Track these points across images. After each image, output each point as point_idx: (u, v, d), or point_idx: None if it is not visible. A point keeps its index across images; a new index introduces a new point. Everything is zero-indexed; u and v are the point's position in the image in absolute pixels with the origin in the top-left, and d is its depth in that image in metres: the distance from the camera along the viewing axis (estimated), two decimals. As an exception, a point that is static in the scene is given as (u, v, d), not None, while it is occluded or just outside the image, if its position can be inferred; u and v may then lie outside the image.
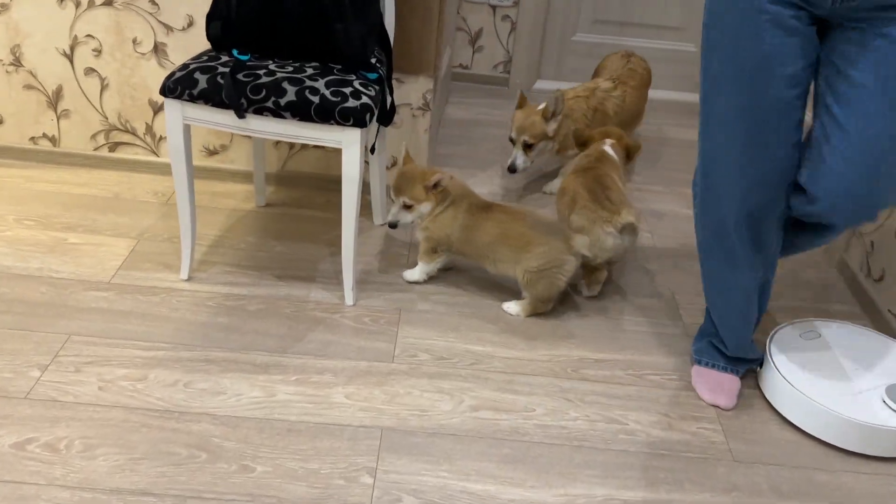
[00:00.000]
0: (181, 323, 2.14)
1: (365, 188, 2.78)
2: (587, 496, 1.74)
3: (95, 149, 2.81)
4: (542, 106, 2.72)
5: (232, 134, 2.76)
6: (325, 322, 2.21)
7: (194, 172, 2.78)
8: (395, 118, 2.72)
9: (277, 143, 2.78)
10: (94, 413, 1.83)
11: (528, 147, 2.69)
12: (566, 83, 3.97)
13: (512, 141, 2.73)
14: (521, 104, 2.74)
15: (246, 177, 2.84)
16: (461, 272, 2.47)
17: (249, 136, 2.71)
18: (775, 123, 1.66)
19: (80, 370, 1.95)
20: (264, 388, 1.95)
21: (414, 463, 1.78)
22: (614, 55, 3.19)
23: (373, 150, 2.45)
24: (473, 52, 4.01)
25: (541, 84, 4.05)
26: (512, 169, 2.72)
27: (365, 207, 2.74)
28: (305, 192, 2.84)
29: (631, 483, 1.78)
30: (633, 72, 3.03)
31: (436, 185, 2.24)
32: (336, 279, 2.38)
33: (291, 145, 2.78)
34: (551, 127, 2.68)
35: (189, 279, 2.32)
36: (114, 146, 2.81)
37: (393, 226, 2.30)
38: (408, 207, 2.26)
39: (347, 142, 2.04)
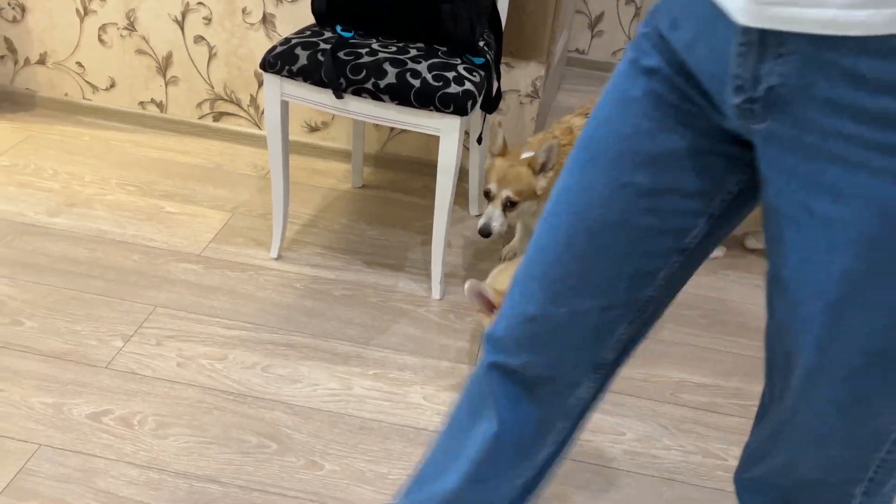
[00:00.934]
0: (266, 303, 2.09)
1: (463, 176, 2.67)
2: (674, 537, 1.59)
3: (200, 117, 2.81)
4: (527, 154, 2.02)
5: (334, 111, 2.70)
6: (410, 315, 2.12)
7: (294, 148, 2.76)
8: (501, 105, 2.59)
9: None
10: (171, 390, 1.81)
11: (510, 205, 2.00)
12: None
13: (488, 196, 2.03)
14: (502, 152, 2.05)
15: (345, 156, 2.78)
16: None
17: (351, 115, 2.64)
18: (608, 248, 0.95)
19: (162, 344, 1.93)
20: (341, 380, 1.88)
21: (488, 479, 1.67)
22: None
23: (479, 140, 2.33)
24: (592, 37, 3.82)
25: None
26: (485, 232, 2.00)
27: (462, 196, 2.63)
28: (403, 175, 2.76)
29: (725, 528, 1.62)
30: None
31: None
32: (425, 270, 2.29)
33: (392, 128, 2.70)
34: (541, 183, 2.02)
35: (278, 258, 2.28)
36: (218, 116, 2.80)
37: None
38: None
39: (446, 129, 1.93)
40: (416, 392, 1.87)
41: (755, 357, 2.08)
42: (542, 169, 2.01)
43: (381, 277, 2.25)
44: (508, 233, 2.34)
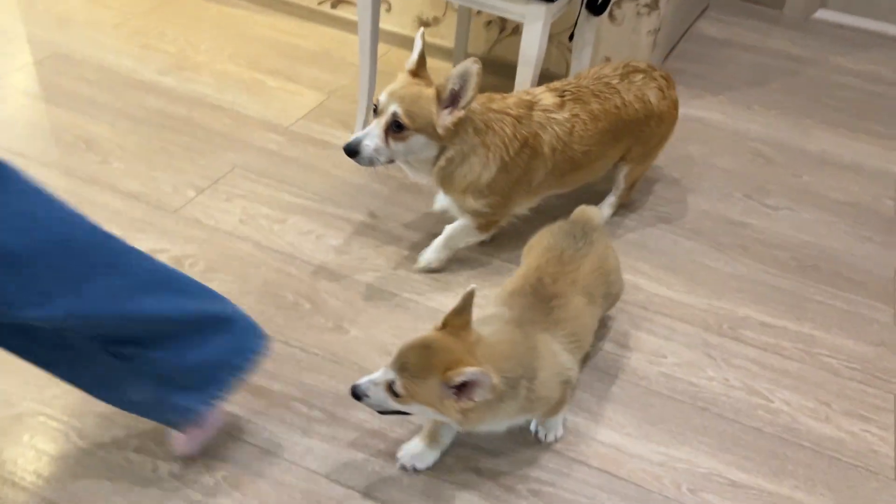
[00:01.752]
0: (337, 181, 2.12)
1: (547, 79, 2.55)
2: (689, 464, 1.49)
3: (320, 3, 2.85)
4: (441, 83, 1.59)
5: (446, 6, 2.65)
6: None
7: (402, 42, 2.74)
8: (615, 13, 2.44)
9: (489, 22, 2.62)
10: (227, 241, 1.88)
11: (395, 128, 1.57)
12: (866, 20, 3.33)
13: (375, 110, 1.61)
14: (415, 69, 1.63)
15: (451, 55, 2.73)
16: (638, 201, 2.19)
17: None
18: None
19: (231, 200, 2.01)
20: (389, 260, 1.89)
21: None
22: (611, 65, 1.92)
23: (571, 36, 2.21)
24: (749, -34, 3.50)
25: (822, 14, 3.44)
26: (351, 150, 1.58)
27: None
28: (504, 81, 2.67)
29: (749, 465, 1.49)
30: (615, 93, 1.82)
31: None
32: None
33: (502, 28, 2.61)
34: (444, 120, 1.58)
35: None
36: (336, 3, 2.83)
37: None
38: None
39: (531, 16, 1.84)
40: (458, 284, 1.84)
41: (842, 309, 1.88)
42: (452, 103, 1.57)
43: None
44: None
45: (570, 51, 2.42)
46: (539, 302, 1.39)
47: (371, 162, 1.59)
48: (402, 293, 1.80)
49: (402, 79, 1.63)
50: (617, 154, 1.92)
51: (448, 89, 1.56)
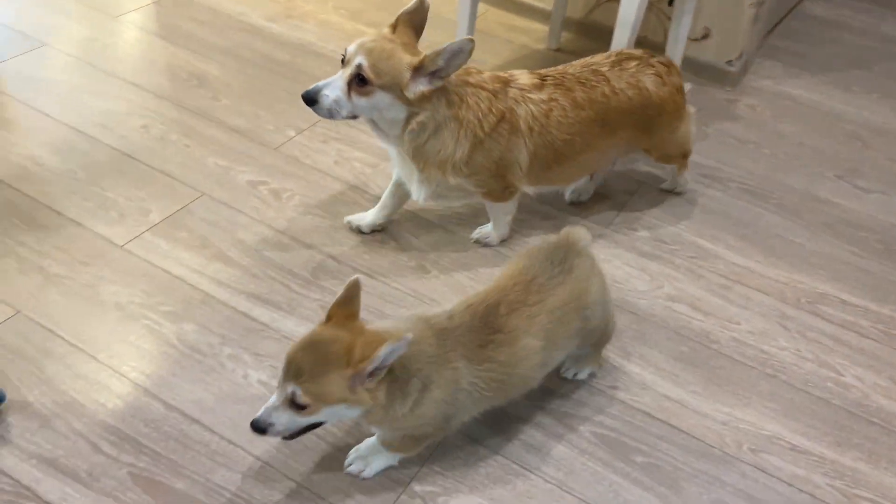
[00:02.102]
0: None
1: (643, 46, 2.54)
2: (753, 426, 1.51)
3: (423, -39, 2.90)
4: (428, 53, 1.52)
5: (547, -31, 2.67)
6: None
7: (498, 3, 2.78)
8: (718, -17, 2.42)
9: (589, -12, 2.63)
10: (321, 180, 1.98)
11: (359, 82, 1.50)
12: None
13: (343, 60, 1.55)
14: (394, 26, 1.58)
15: (548, 17, 2.75)
16: (714, 170, 2.19)
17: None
18: None
19: (327, 142, 2.10)
20: (471, 208, 1.95)
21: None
22: (603, 54, 1.84)
23: (671, 1, 2.20)
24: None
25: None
26: (310, 98, 1.52)
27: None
28: (603, 47, 2.68)
29: (812, 433, 1.51)
30: (603, 82, 1.73)
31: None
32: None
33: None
34: (418, 86, 1.52)
35: None
36: (439, -38, 2.88)
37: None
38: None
39: (632, -22, 1.85)
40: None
41: (927, 294, 1.85)
42: (434, 75, 1.51)
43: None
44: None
45: (668, 19, 2.41)
46: (481, 328, 1.25)
47: (330, 114, 1.52)
48: (492, 244, 1.87)
49: (378, 33, 1.56)
50: (611, 147, 1.79)
51: (436, 63, 1.49)
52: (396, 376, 1.17)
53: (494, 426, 1.45)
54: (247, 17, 2.60)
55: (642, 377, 1.58)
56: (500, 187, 1.72)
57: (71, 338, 1.53)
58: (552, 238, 1.39)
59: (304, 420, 1.14)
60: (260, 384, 1.49)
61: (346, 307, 1.16)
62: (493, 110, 1.62)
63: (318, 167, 2.02)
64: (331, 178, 1.99)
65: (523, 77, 1.70)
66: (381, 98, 1.52)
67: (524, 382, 1.33)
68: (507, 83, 1.67)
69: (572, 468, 1.41)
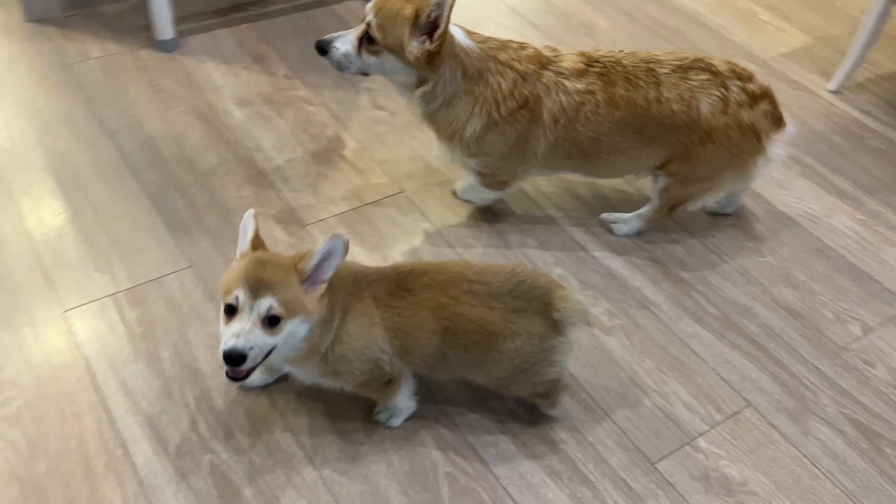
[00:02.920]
0: (796, 121, 1.98)
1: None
2: None
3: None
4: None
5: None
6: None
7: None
8: None
9: None
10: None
11: (369, 41, 1.46)
12: None
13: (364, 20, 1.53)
14: None
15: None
16: None
17: None
18: None
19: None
20: (825, 207, 1.81)
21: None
22: (676, 53, 1.53)
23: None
24: None
25: None
26: (322, 47, 1.51)
27: None
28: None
29: None
30: (652, 85, 1.48)
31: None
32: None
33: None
34: (415, 46, 1.43)
35: (835, 92, 2.17)
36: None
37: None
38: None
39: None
40: (891, 250, 1.73)
41: None
42: (429, 30, 1.41)
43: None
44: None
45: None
46: (395, 281, 1.25)
47: (340, 67, 1.52)
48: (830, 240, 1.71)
49: None
50: (646, 156, 1.59)
51: (425, 14, 1.40)
52: (327, 300, 1.18)
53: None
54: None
55: None
56: (496, 175, 1.62)
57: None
58: (541, 278, 1.24)
59: (270, 340, 1.12)
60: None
61: (258, 240, 1.20)
62: (516, 94, 1.50)
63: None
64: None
65: (568, 59, 1.53)
66: (388, 59, 1.48)
67: (424, 356, 1.26)
68: (545, 65, 1.51)
69: None
